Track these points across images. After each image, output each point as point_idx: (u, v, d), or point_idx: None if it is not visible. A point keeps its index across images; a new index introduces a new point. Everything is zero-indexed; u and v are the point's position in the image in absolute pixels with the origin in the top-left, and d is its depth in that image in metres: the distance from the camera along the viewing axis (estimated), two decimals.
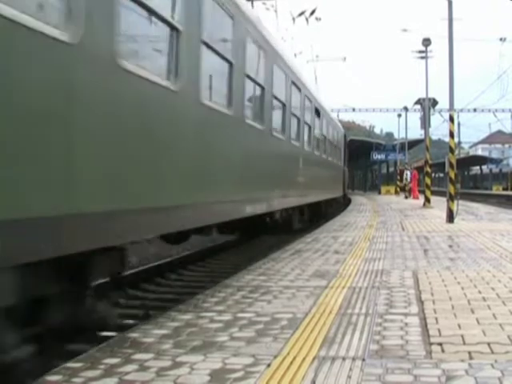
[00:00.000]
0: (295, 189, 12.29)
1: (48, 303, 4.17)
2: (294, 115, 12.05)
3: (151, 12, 4.87)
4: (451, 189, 14.74)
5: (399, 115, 48.53)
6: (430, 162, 24.01)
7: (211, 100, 6.49)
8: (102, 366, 3.32)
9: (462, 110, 48.98)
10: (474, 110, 52.13)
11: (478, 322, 4.21)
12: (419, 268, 6.90)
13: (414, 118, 41.64)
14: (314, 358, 3.41)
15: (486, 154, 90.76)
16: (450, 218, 14.29)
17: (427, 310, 4.66)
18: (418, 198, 31.36)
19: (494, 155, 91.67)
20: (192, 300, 5.28)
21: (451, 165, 14.95)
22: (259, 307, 4.85)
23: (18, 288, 3.56)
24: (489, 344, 3.63)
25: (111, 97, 4.19)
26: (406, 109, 44.99)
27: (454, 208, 14.44)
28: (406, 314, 4.51)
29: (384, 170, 61.43)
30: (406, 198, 34.36)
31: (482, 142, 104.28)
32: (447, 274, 6.44)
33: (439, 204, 21.78)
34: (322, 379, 3.06)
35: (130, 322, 6.08)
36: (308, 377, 3.10)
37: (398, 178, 43.50)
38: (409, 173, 37.80)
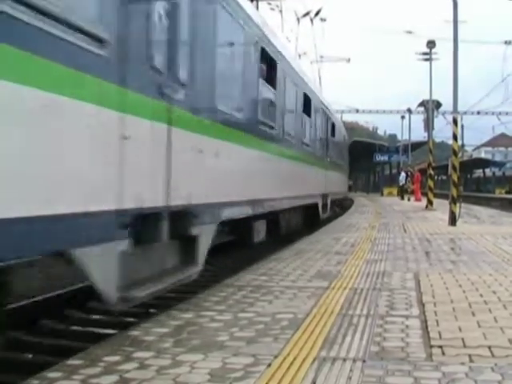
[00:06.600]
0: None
1: None
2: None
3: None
4: (454, 191, 14.72)
5: (403, 117, 48.42)
6: (433, 164, 23.95)
7: None
8: (102, 364, 3.33)
9: (465, 113, 48.78)
10: (478, 112, 51.92)
11: (479, 325, 4.20)
12: (421, 270, 6.89)
13: (418, 119, 41.60)
14: (314, 359, 3.41)
15: (489, 156, 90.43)
16: (453, 220, 14.26)
17: (428, 312, 4.66)
18: (420, 200, 31.24)
19: (498, 158, 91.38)
20: (193, 299, 5.28)
21: (454, 167, 14.92)
22: (260, 307, 4.85)
23: None
24: (489, 347, 3.63)
25: None
26: (409, 111, 44.81)
27: (457, 211, 14.41)
28: (406, 316, 4.51)
29: (387, 172, 61.30)
30: (409, 200, 33.91)
31: (486, 144, 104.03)
32: (449, 276, 6.43)
33: (442, 206, 21.76)
34: (322, 380, 3.06)
35: (131, 319, 6.08)
36: (308, 377, 3.10)
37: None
38: (403, 173, 37.74)
